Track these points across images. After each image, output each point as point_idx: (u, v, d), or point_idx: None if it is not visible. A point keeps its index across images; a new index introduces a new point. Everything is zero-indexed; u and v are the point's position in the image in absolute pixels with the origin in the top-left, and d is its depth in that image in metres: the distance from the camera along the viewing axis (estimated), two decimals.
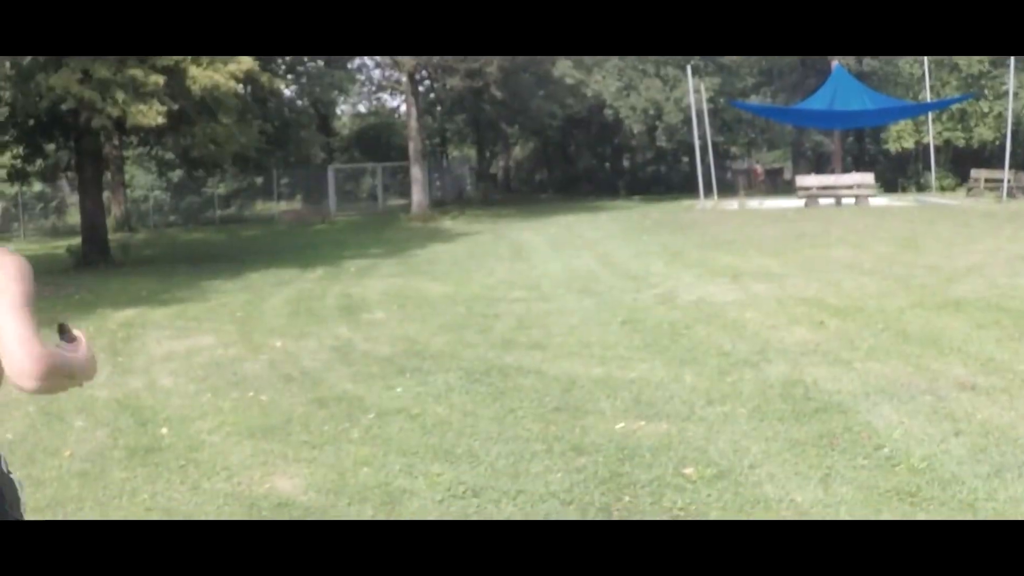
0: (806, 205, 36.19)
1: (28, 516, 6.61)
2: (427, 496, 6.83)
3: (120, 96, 22.23)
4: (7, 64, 25.76)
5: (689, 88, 42.34)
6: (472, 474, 7.23)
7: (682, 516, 6.27)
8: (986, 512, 6.17)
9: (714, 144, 45.57)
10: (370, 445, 8.11)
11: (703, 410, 8.63)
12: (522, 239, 28.93)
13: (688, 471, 7.01)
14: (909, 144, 50.92)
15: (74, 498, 7.28)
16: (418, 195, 45.00)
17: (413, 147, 45.58)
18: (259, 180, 53.54)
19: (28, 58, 25.90)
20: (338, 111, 65.66)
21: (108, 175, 40.03)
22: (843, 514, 6.18)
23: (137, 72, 22.24)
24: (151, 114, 22.38)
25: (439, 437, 8.21)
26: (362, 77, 58.29)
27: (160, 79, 22.45)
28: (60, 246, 33.12)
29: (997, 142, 45.73)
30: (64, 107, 23.17)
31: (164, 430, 9.03)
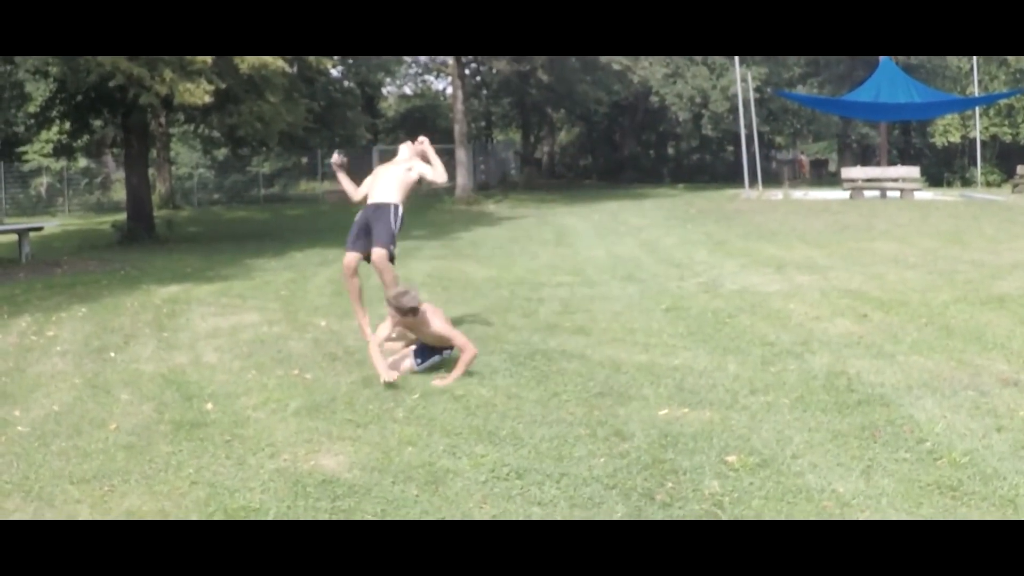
0: (851, 197, 36.00)
1: (74, 487, 6.69)
2: (471, 476, 6.86)
3: (168, 74, 22.33)
4: None
5: (736, 77, 42.27)
6: (515, 456, 7.25)
7: (725, 502, 6.28)
8: None
9: (760, 134, 45.50)
10: (414, 425, 8.15)
11: (746, 399, 8.63)
12: (566, 224, 28.96)
13: (731, 459, 7.02)
14: (955, 138, 50.80)
15: (120, 471, 7.33)
16: (462, 178, 45.03)
17: (458, 130, 45.60)
18: (304, 160, 53.75)
19: None
20: (384, 92, 65.76)
21: (154, 152, 40.21)
22: (884, 506, 6.17)
23: None
24: (199, 92, 22.48)
25: (483, 418, 8.23)
26: (408, 59, 58.35)
27: (208, 58, 22.54)
28: (104, 221, 33.36)
29: None
30: (112, 83, 23.24)
31: (209, 405, 9.08)
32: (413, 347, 10.20)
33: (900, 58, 46.95)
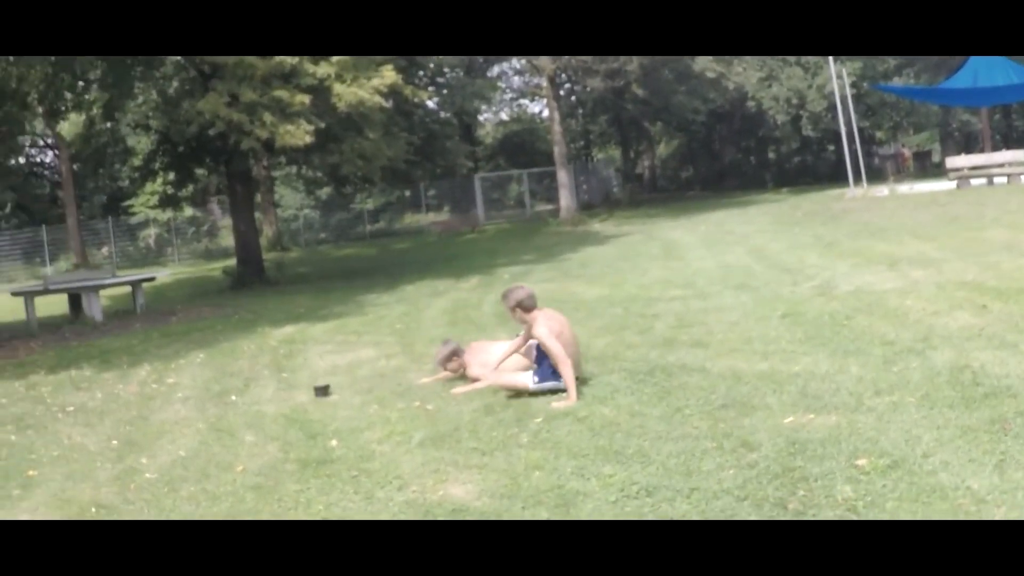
0: (957, 187, 35.54)
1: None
2: (601, 497, 6.84)
3: (268, 117, 22.52)
4: (154, 93, 26.22)
5: (831, 74, 41.89)
6: (644, 474, 7.22)
7: (859, 506, 6.21)
8: None
9: (860, 130, 45.02)
10: (540, 449, 8.14)
11: (871, 400, 8.52)
12: (673, 237, 28.87)
13: (861, 462, 6.93)
14: None
15: (250, 511, 7.42)
16: (566, 199, 45.05)
17: (558, 151, 45.63)
18: (407, 193, 54.01)
19: (175, 85, 26.38)
20: (481, 119, 65.96)
21: (258, 196, 40.60)
22: (1021, 500, 6.05)
23: (283, 93, 22.54)
24: (299, 133, 22.65)
25: (608, 438, 8.20)
26: (503, 85, 58.52)
27: (305, 98, 22.73)
28: (214, 268, 33.73)
29: None
30: (212, 131, 23.51)
31: (334, 442, 9.15)
32: (534, 367, 10.21)
33: None
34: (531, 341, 10.40)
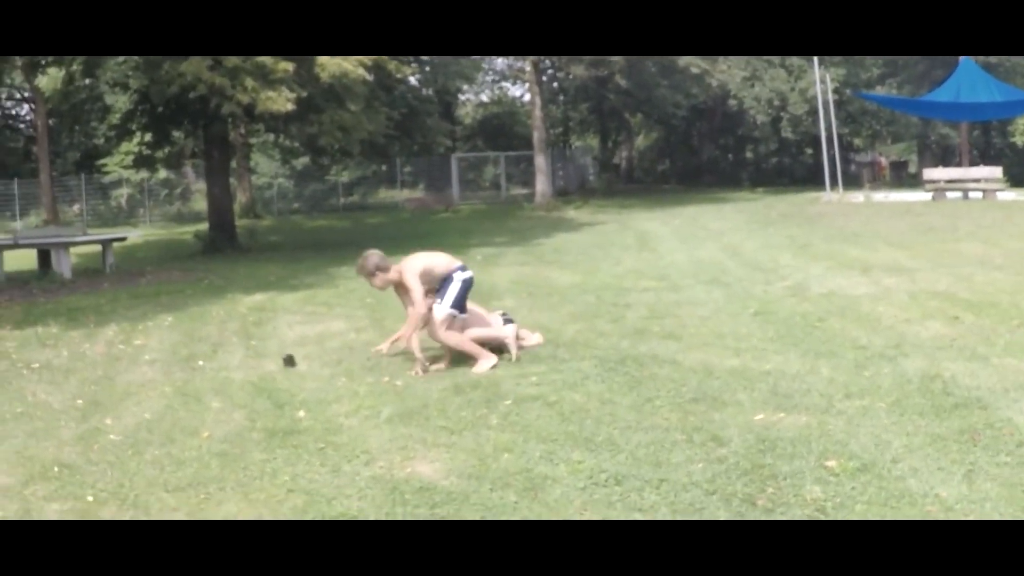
0: (933, 198, 35.69)
1: (170, 495, 6.71)
2: (569, 483, 6.81)
3: (250, 83, 22.42)
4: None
5: (815, 78, 41.97)
6: (613, 462, 7.20)
7: (828, 507, 6.21)
8: None
9: (838, 136, 45.04)
10: (509, 431, 8.12)
11: (841, 403, 8.53)
12: (647, 229, 28.86)
13: (830, 464, 6.94)
14: None
15: (215, 478, 7.36)
16: (542, 184, 45.05)
17: (537, 136, 45.63)
18: (383, 168, 53.87)
19: None
20: (461, 99, 65.89)
21: (233, 162, 40.44)
22: (988, 510, 6.08)
23: (267, 59, 22.41)
24: (280, 100, 22.55)
25: (578, 425, 8.19)
26: (486, 66, 58.41)
27: (289, 66, 22.63)
28: (186, 232, 33.57)
29: None
30: (193, 94, 23.36)
31: (301, 413, 9.10)
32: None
33: (979, 57, 46.53)
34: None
